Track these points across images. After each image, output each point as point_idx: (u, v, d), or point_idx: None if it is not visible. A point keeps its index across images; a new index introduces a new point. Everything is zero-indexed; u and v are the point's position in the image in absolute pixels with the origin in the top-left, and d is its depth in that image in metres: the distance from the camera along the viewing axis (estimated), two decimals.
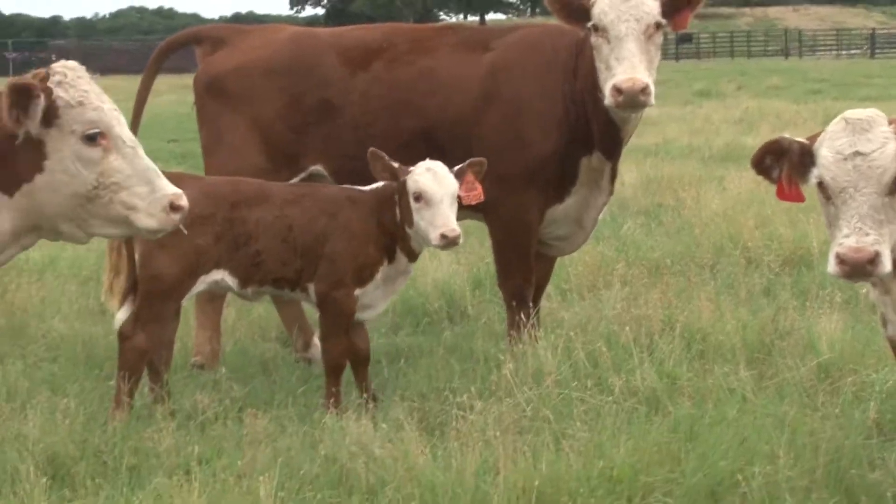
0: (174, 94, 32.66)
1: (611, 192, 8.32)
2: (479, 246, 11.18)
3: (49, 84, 5.45)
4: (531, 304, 8.22)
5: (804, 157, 5.31)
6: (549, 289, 9.15)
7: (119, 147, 5.43)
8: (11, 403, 7.17)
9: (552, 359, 7.29)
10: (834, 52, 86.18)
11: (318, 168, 8.32)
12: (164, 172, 7.42)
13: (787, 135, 5.51)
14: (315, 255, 7.24)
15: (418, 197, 7.00)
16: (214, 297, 8.27)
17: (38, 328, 9.11)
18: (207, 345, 8.30)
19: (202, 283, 7.19)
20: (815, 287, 9.03)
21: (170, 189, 5.46)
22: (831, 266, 5.04)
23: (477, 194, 7.25)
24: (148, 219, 5.44)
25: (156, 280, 7.09)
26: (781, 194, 5.42)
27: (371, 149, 7.18)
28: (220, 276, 7.19)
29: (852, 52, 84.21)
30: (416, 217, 7.02)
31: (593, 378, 7.11)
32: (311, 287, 7.29)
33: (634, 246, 11.19)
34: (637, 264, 10.23)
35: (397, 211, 7.17)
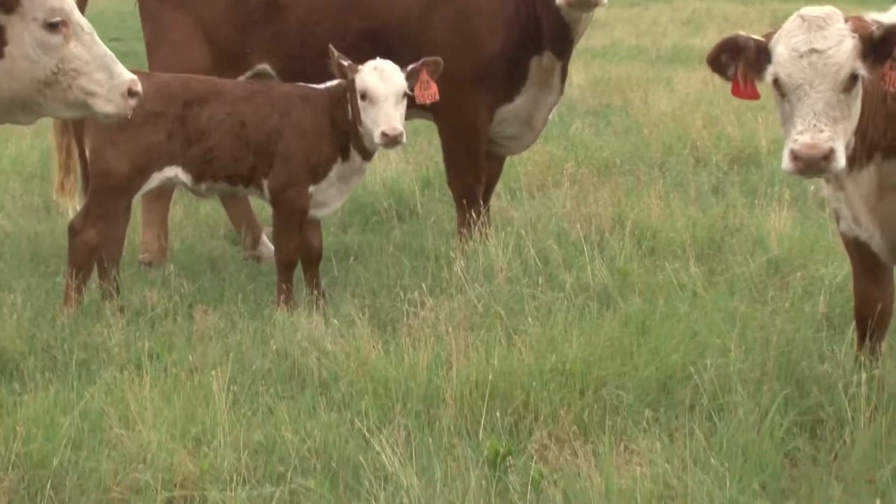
0: None
1: (561, 92, 8.29)
2: (428, 145, 11.13)
3: None
4: (481, 203, 8.20)
5: (760, 55, 5.28)
6: (499, 188, 9.13)
7: (78, 34, 5.46)
8: None
9: (503, 256, 7.30)
10: None
11: (264, 67, 8.21)
12: None
13: (741, 32, 5.48)
14: (268, 153, 7.20)
15: (364, 95, 6.97)
16: (161, 195, 8.19)
17: None
18: (155, 242, 8.24)
19: (154, 180, 7.14)
20: (763, 185, 9.05)
21: (127, 75, 5.51)
22: (785, 163, 5.04)
23: (432, 93, 7.19)
24: (106, 104, 5.49)
25: (106, 176, 7.04)
26: (737, 91, 5.41)
27: (329, 45, 7.11)
28: (174, 172, 7.15)
29: None
30: (362, 115, 6.98)
31: (544, 275, 7.14)
32: (265, 184, 7.23)
33: (583, 146, 11.15)
34: (586, 163, 10.22)
35: (349, 109, 7.11)
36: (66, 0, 5.47)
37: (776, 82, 5.20)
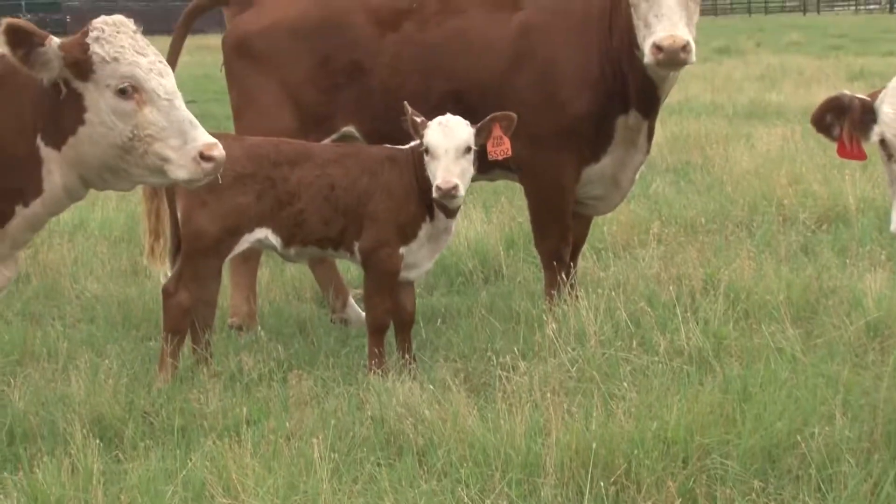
0: (190, 55, 32.55)
1: (647, 152, 8.25)
2: (510, 205, 11.13)
3: (87, 40, 5.56)
4: (569, 264, 8.17)
5: (865, 115, 5.22)
6: (584, 248, 9.09)
7: (154, 100, 5.51)
8: (53, 365, 7.18)
9: (594, 319, 7.24)
10: (852, 8, 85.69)
11: (349, 129, 8.25)
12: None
13: (846, 91, 5.42)
14: (358, 215, 7.21)
15: (427, 150, 6.99)
16: (250, 258, 8.23)
17: (72, 289, 9.10)
18: (245, 305, 8.27)
19: (245, 242, 7.17)
20: (854, 244, 8.96)
21: (202, 139, 5.52)
22: (894, 224, 4.97)
23: (504, 149, 7.18)
24: (179, 170, 5.52)
25: (197, 237, 7.09)
26: (843, 152, 5.34)
27: (404, 102, 7.15)
28: (264, 234, 7.18)
29: (871, 6, 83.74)
30: (428, 171, 7.00)
31: (637, 338, 7.09)
32: (356, 246, 7.24)
33: (667, 204, 11.12)
34: (671, 223, 10.18)
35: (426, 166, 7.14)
36: (144, 66, 5.53)
37: (882, 143, 5.14)
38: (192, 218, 7.10)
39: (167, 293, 7.07)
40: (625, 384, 6.35)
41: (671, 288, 7.74)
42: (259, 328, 8.06)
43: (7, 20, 5.44)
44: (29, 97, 5.57)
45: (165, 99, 5.53)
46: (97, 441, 5.64)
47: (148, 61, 5.55)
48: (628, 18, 7.57)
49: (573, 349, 6.91)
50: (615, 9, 7.79)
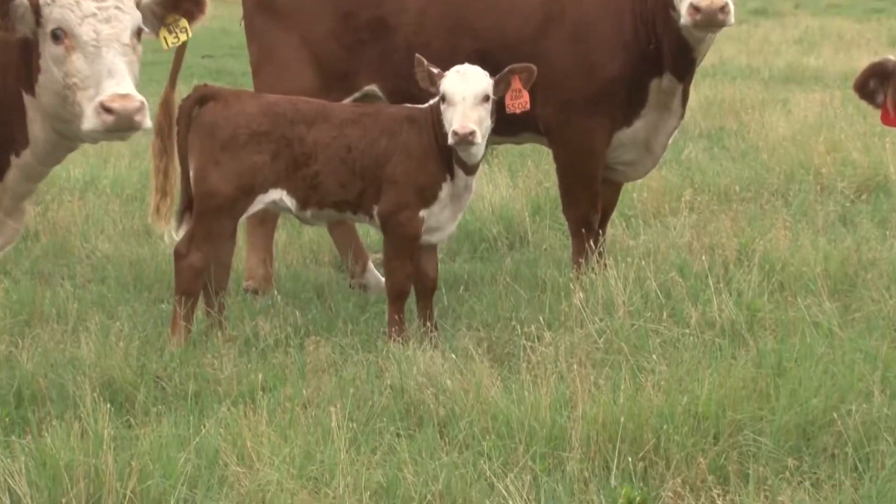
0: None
1: (681, 116, 8.21)
2: (536, 169, 11.09)
3: None
4: (598, 232, 8.14)
5: None
6: (613, 216, 9.05)
7: (81, 47, 5.41)
8: (63, 326, 7.20)
9: (623, 288, 7.22)
10: None
11: (372, 88, 8.22)
12: (222, 89, 7.44)
13: (891, 56, 5.37)
14: (376, 177, 7.19)
15: (444, 98, 6.96)
16: (266, 220, 8.22)
17: (82, 248, 9.11)
18: (260, 268, 8.26)
19: (259, 203, 7.16)
20: (895, 215, 8.90)
21: (110, 90, 5.31)
22: None
23: (522, 102, 7.15)
24: (85, 121, 5.36)
25: (210, 197, 7.08)
26: (886, 120, 5.31)
27: (416, 55, 7.11)
28: (279, 195, 7.16)
29: None
30: (444, 120, 6.97)
31: (667, 309, 7.07)
32: (375, 210, 7.22)
33: (700, 171, 11.07)
34: (704, 190, 10.12)
35: (443, 120, 7.11)
36: (78, 9, 5.43)
37: None
38: (206, 177, 7.09)
39: (179, 254, 7.07)
40: (654, 357, 6.35)
41: (703, 258, 7.71)
42: (275, 292, 8.05)
43: None
44: (12, 45, 5.57)
45: (92, 45, 5.39)
46: (108, 405, 5.64)
47: (94, 6, 5.44)
48: None
49: (601, 319, 6.90)
50: None
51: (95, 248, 9.08)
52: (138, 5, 5.62)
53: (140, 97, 5.31)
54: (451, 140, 6.85)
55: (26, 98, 5.60)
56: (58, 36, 5.41)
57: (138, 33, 5.54)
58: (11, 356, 6.74)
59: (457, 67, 7.04)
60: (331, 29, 8.17)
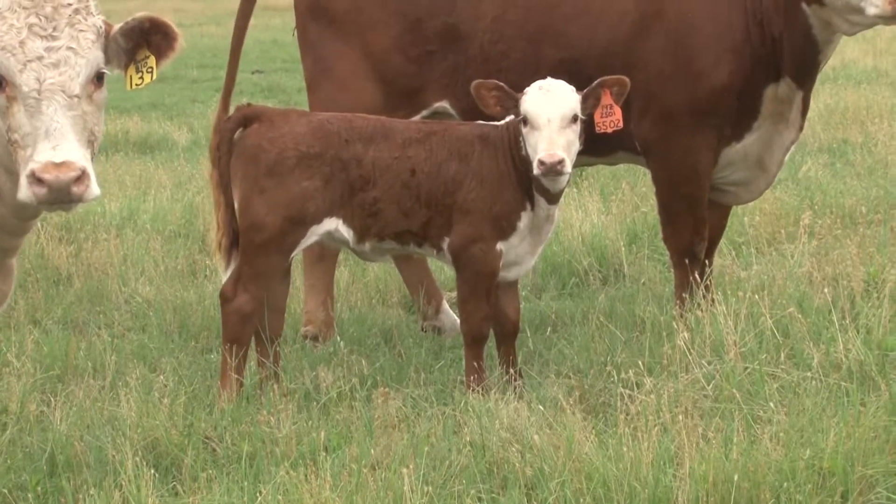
0: (255, 17, 32.62)
1: (801, 128, 8.16)
2: (632, 193, 11.10)
3: None
4: (704, 262, 8.12)
5: None
6: (722, 243, 9.04)
7: (23, 98, 5.10)
8: (100, 381, 7.29)
9: (734, 327, 7.19)
10: None
11: (443, 105, 8.26)
12: (267, 108, 7.50)
13: None
14: (444, 205, 7.19)
15: (526, 120, 6.95)
16: (325, 256, 8.29)
17: (120, 292, 9.23)
18: (320, 311, 8.32)
19: (312, 235, 7.17)
20: None
21: (44, 156, 4.98)
22: None
23: (615, 120, 7.16)
24: (19, 189, 5.04)
25: (256, 230, 7.10)
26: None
27: (475, 81, 7.11)
28: (333, 225, 7.17)
29: None
30: (526, 144, 6.97)
31: (785, 350, 7.03)
32: (445, 243, 7.24)
33: (820, 191, 11.03)
34: (825, 212, 10.07)
35: (522, 143, 7.11)
36: (21, 51, 5.11)
37: None
38: (251, 207, 7.11)
39: (225, 297, 7.12)
40: (771, 405, 6.31)
41: (826, 290, 7.67)
42: (338, 338, 8.12)
43: None
44: None
45: (33, 97, 5.08)
46: (151, 471, 5.72)
47: (43, 47, 5.13)
48: None
49: (709, 363, 6.87)
50: None
51: (135, 292, 9.20)
52: (107, 37, 5.35)
53: (81, 164, 4.96)
54: (536, 170, 6.85)
55: None
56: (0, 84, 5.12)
57: (98, 77, 5.24)
58: (43, 416, 6.84)
59: (539, 83, 7.05)
60: (396, 39, 8.23)
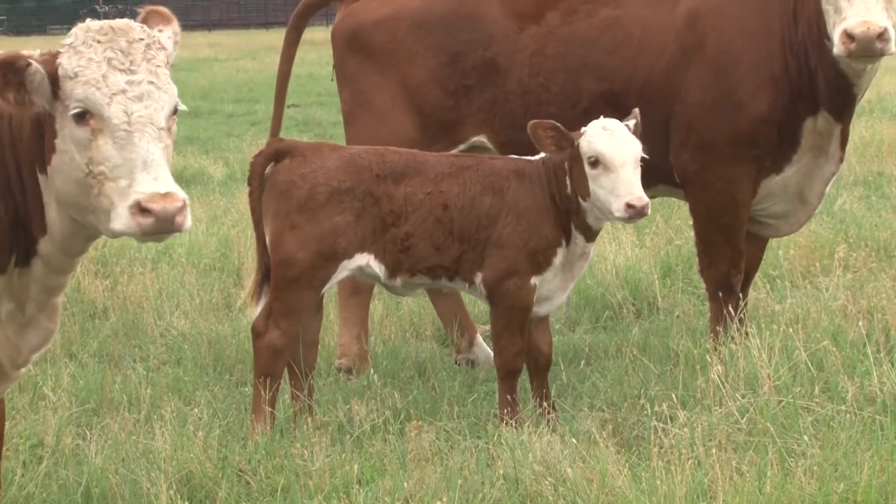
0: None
1: (840, 160, 8.15)
2: (666, 225, 11.11)
3: (60, 49, 5.31)
4: (739, 295, 8.12)
5: None
6: (756, 276, 9.03)
7: (111, 130, 5.14)
8: (135, 414, 7.34)
9: (768, 360, 7.19)
10: None
11: (480, 139, 8.29)
12: (299, 143, 7.53)
13: None
14: (478, 240, 7.20)
15: (595, 162, 6.94)
16: (360, 290, 8.32)
17: (155, 326, 9.28)
18: (354, 344, 8.35)
19: (343, 270, 7.18)
20: None
21: (147, 187, 5.04)
22: None
23: None
24: (116, 219, 5.08)
25: (288, 265, 7.12)
26: None
27: (532, 121, 7.11)
28: (365, 260, 7.17)
29: None
30: (592, 186, 6.96)
31: (819, 383, 7.03)
32: (478, 277, 7.25)
33: (855, 224, 11.02)
34: (860, 246, 10.07)
35: (568, 182, 7.11)
36: (105, 85, 5.18)
37: None
38: (282, 242, 7.13)
39: (256, 332, 7.14)
40: (805, 438, 6.31)
41: (861, 323, 7.67)
42: (372, 371, 8.15)
43: None
44: (27, 118, 5.35)
45: (123, 129, 5.13)
46: (186, 503, 5.73)
47: (125, 80, 5.20)
48: (816, 2, 7.53)
49: (743, 396, 6.87)
50: None
51: (170, 325, 9.25)
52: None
53: (183, 194, 5.05)
54: (622, 213, 6.78)
55: (41, 178, 5.39)
56: (81, 116, 5.16)
57: (174, 112, 5.29)
58: (79, 449, 6.89)
59: (600, 123, 7.00)
60: (434, 73, 8.26)
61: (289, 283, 7.12)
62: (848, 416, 6.61)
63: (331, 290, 7.63)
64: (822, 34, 7.51)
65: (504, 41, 8.16)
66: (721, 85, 7.87)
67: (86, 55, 5.20)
